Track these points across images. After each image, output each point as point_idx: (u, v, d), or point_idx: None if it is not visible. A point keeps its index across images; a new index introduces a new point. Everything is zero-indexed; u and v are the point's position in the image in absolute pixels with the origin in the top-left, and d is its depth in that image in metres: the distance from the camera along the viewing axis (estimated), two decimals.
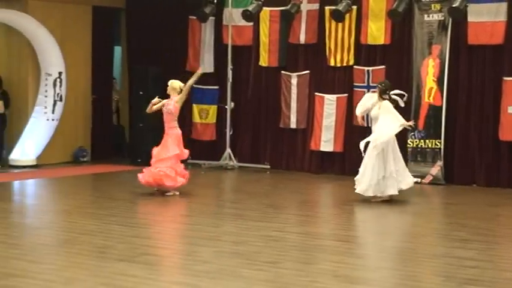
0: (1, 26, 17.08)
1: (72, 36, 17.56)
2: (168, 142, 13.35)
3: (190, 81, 13.72)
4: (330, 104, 16.66)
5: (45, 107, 16.92)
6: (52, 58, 16.94)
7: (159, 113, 13.59)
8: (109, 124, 19.15)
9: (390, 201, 12.83)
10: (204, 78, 17.91)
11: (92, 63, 18.16)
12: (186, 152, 13.65)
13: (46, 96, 16.91)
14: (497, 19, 14.99)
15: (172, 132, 13.42)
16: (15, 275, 7.84)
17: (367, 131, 16.09)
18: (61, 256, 8.95)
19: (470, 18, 15.12)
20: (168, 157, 13.23)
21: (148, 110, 13.63)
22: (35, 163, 16.79)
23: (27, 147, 16.75)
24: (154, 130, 17.29)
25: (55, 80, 16.93)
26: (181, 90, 13.52)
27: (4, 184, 14.69)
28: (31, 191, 14.70)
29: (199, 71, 14.16)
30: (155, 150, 13.44)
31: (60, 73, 17.00)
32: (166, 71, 17.81)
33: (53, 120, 16.92)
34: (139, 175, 13.29)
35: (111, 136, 19.10)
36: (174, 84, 13.60)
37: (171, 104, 13.40)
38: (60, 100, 17.01)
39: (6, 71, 17.26)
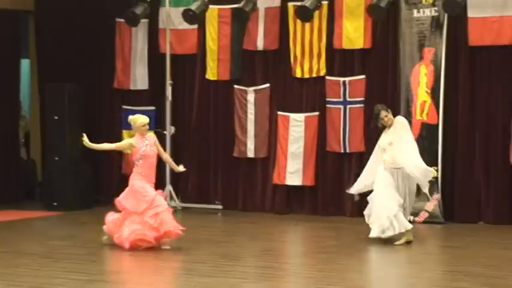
0: None
1: None
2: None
3: (167, 159, 13.85)
4: (296, 125, 16.68)
5: None
6: None
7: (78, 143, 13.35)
8: (16, 159, 18.80)
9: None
10: (137, 97, 17.87)
11: None
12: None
13: None
14: (504, 13, 15.04)
15: None
16: None
17: (344, 158, 16.09)
18: None
19: (471, 14, 15.20)
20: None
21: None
22: None
23: None
24: (74, 164, 17.09)
25: None
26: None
27: None
28: None
29: (180, 169, 13.82)
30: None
31: None
32: (88, 89, 17.73)
33: None
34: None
35: (19, 174, 18.87)
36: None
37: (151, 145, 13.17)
38: None
39: None
